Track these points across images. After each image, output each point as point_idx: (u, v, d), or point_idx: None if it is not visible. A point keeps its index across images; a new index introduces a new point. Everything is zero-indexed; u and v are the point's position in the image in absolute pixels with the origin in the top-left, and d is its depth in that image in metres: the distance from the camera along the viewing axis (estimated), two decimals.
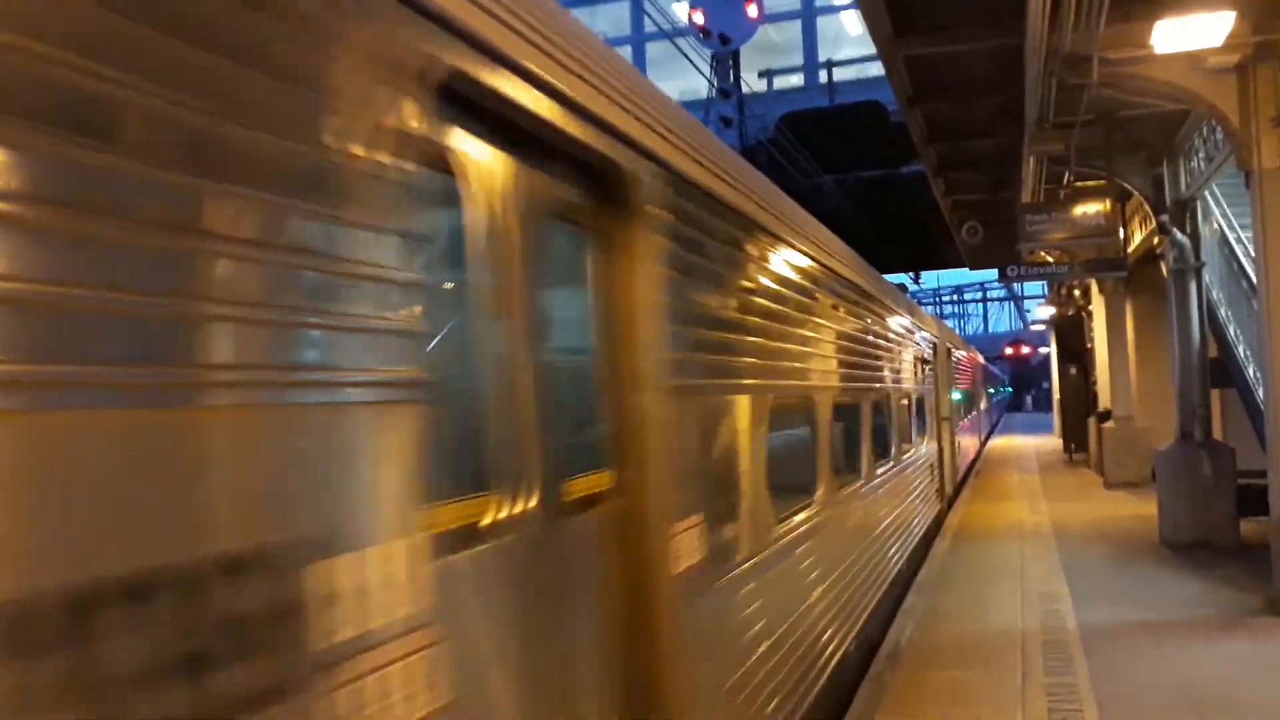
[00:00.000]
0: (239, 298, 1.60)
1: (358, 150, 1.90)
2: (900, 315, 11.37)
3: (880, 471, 9.14)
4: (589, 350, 3.21)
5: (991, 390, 50.92)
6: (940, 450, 15.15)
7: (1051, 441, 36.65)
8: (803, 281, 6.17)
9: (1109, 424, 21.25)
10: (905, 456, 11.04)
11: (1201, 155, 12.63)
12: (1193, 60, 9.43)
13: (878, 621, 8.45)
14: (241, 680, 1.53)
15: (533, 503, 2.63)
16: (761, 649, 4.50)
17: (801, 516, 5.75)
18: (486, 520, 2.47)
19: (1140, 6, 8.93)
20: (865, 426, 8.40)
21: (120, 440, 1.37)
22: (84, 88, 1.34)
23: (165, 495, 1.44)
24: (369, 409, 1.91)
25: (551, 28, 2.72)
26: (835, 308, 7.27)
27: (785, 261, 5.73)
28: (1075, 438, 27.95)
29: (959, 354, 22.59)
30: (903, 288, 18.43)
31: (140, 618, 1.36)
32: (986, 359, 45.21)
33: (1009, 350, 62.92)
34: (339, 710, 1.74)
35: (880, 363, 9.58)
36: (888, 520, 9.35)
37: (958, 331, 57.21)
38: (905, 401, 11.24)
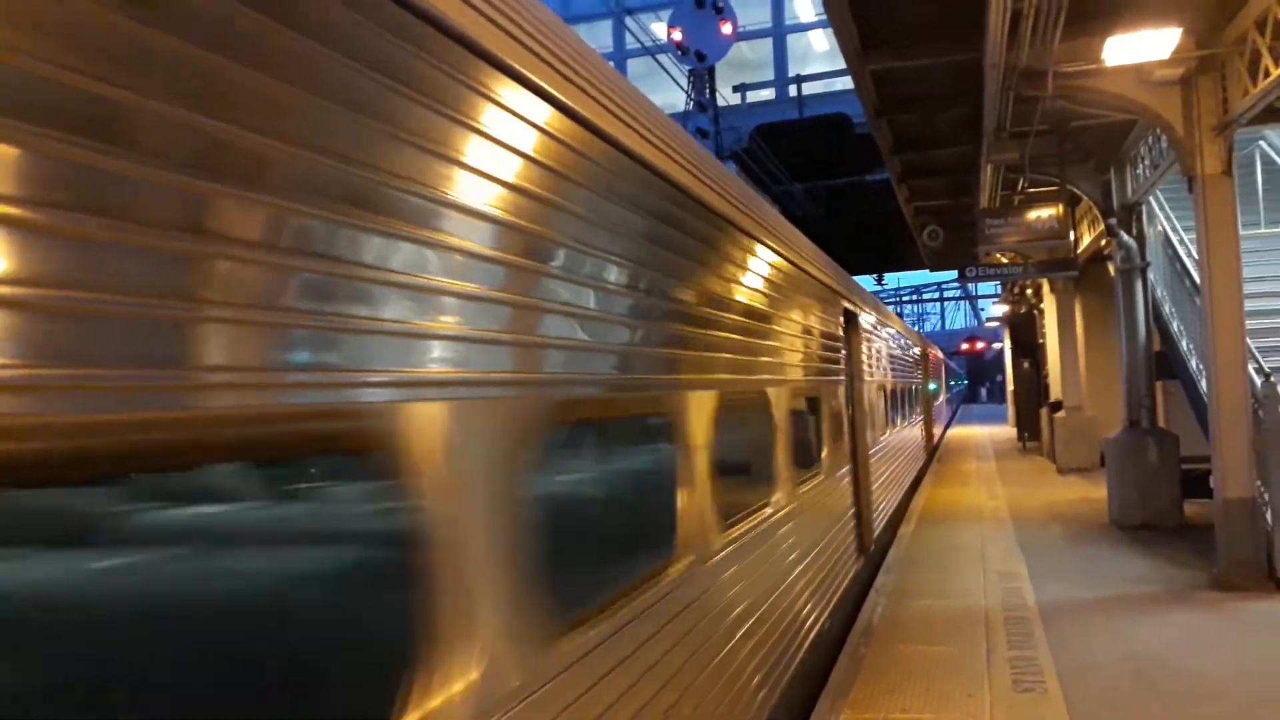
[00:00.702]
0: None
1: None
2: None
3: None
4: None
5: (951, 383, 51.07)
6: (856, 485, 9.14)
7: (1006, 430, 36.83)
8: None
9: (1060, 414, 21.35)
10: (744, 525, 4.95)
11: (1147, 162, 12.68)
12: (1140, 73, 9.46)
13: None
14: None
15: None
16: None
17: None
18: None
19: (1092, 23, 8.95)
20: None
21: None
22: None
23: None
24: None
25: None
26: None
27: None
28: (1028, 427, 28.08)
29: (888, 332, 13.93)
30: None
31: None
32: (945, 354, 45.37)
33: (965, 346, 63.32)
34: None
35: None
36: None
37: (916, 328, 57.08)
38: (775, 412, 5.80)
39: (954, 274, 22.84)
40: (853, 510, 8.92)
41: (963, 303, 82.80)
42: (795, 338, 6.51)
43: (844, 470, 8.58)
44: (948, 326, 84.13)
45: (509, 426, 2.40)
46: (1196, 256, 10.34)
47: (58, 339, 1.29)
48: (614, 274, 3.22)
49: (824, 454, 7.61)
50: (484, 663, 2.18)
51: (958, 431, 40.03)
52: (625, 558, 3.39)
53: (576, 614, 2.79)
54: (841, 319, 8.81)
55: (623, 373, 3.31)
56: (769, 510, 5.46)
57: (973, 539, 12.40)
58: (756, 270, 5.42)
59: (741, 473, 5.13)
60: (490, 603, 2.24)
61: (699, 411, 4.13)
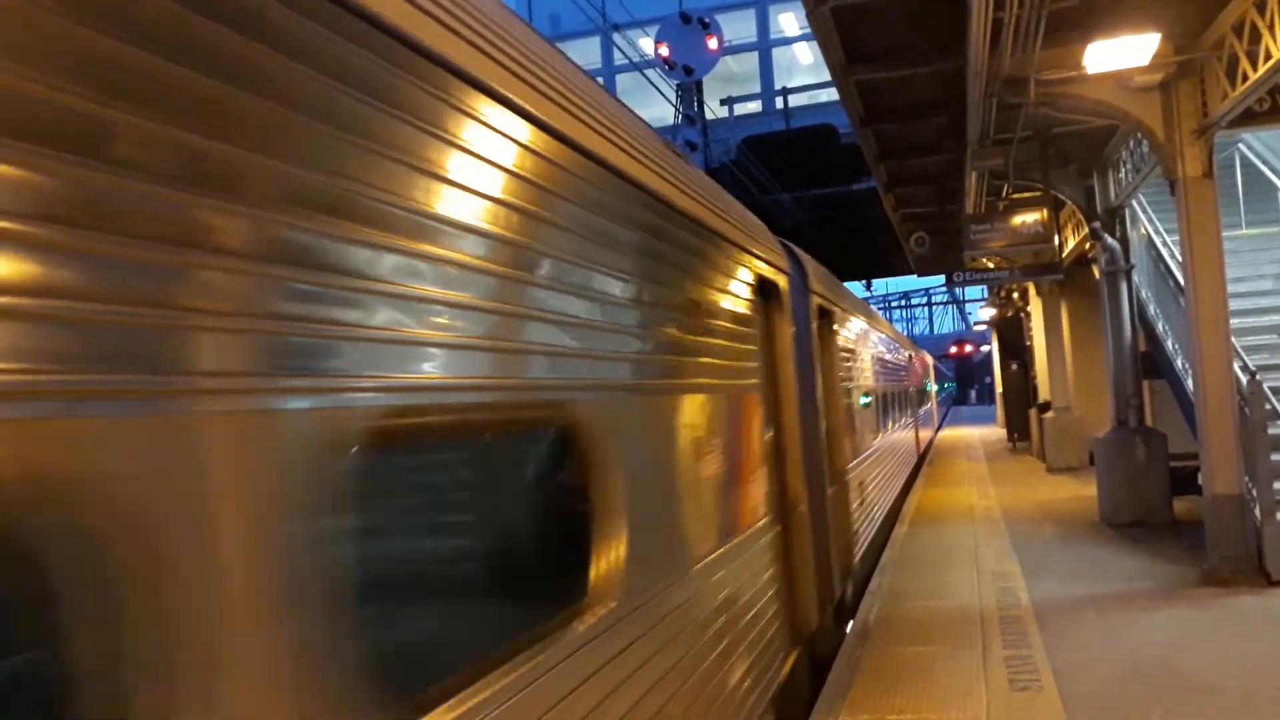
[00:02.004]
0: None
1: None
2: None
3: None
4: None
5: (940, 386, 51.04)
6: (785, 569, 6.06)
7: (995, 431, 36.85)
8: None
9: (1049, 414, 21.38)
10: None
11: (1129, 166, 12.71)
12: (1120, 79, 9.49)
13: None
14: None
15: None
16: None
17: None
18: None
19: (1072, 31, 8.97)
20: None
21: None
22: None
23: None
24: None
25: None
26: None
27: None
28: (1018, 427, 28.11)
29: (854, 325, 11.17)
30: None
31: None
32: (934, 358, 45.39)
33: (954, 349, 63.33)
34: None
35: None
36: None
37: (905, 332, 57.00)
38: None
39: (941, 279, 22.88)
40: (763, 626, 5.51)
41: (950, 307, 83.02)
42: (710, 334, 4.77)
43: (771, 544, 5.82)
44: (936, 331, 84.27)
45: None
46: (1180, 258, 10.36)
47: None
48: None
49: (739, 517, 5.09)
50: None
51: (948, 433, 40.05)
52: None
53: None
54: (751, 305, 5.81)
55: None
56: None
57: (966, 539, 12.38)
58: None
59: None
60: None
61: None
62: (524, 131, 2.77)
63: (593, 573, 3.14)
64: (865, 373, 11.97)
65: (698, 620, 4.14)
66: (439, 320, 2.26)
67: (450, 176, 2.36)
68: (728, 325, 5.07)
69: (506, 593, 2.81)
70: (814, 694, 6.60)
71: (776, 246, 6.92)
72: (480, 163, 2.52)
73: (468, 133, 2.46)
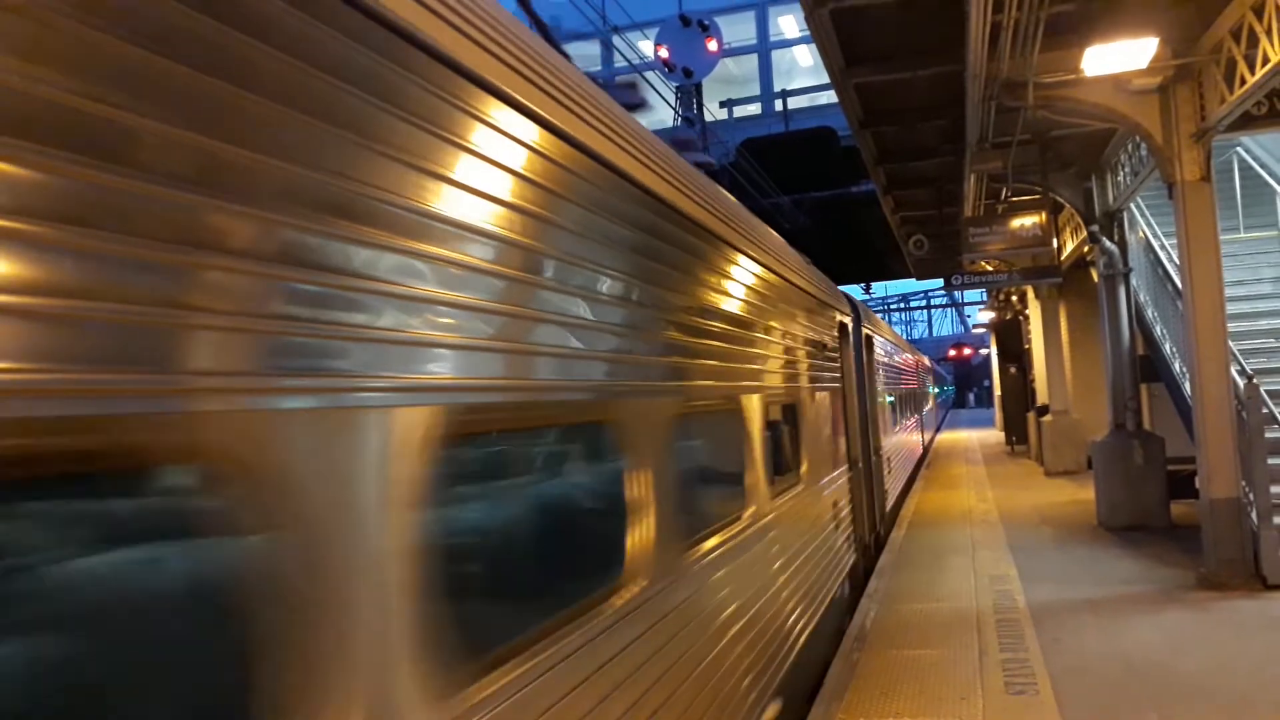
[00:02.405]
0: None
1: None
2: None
3: None
4: None
5: (940, 388, 51.04)
6: (855, 497, 9.90)
7: (994, 434, 36.85)
8: None
9: (1047, 417, 21.36)
10: None
11: (1127, 170, 12.70)
12: (1118, 83, 9.48)
13: None
14: None
15: None
16: None
17: None
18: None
19: (1071, 34, 8.97)
20: None
21: None
22: None
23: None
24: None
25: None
26: None
27: None
28: (1016, 431, 28.09)
29: (884, 345, 14.98)
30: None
31: None
32: (933, 360, 45.37)
33: (952, 352, 63.39)
34: None
35: None
36: None
37: (904, 335, 57.03)
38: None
39: (940, 282, 22.88)
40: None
41: (949, 310, 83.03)
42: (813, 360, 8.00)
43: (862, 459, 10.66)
44: (935, 333, 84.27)
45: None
46: (1178, 261, 10.34)
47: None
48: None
49: (855, 444, 10.03)
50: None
51: (946, 436, 40.03)
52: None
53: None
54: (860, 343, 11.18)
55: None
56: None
57: (963, 542, 12.37)
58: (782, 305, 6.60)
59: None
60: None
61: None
62: (712, 249, 4.66)
63: (796, 463, 6.71)
64: (890, 379, 15.62)
65: (835, 505, 8.24)
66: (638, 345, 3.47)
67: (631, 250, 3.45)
68: (828, 351, 8.53)
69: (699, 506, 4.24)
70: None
71: (844, 300, 10.36)
72: (678, 253, 4.10)
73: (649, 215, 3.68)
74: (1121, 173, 13.05)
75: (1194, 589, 9.14)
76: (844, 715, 6.14)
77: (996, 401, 38.34)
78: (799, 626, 6.12)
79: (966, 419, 59.76)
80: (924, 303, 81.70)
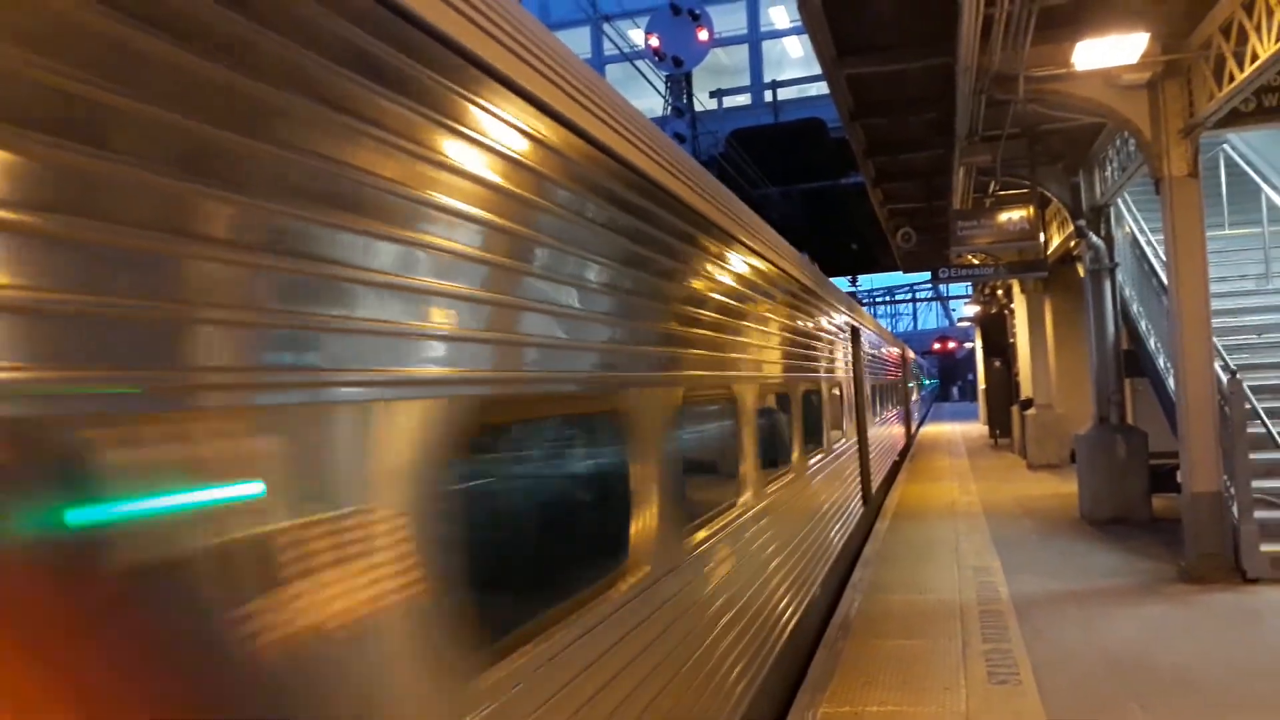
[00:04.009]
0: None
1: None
2: None
3: None
4: None
5: (924, 381, 51.22)
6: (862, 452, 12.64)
7: (977, 428, 37.04)
8: None
9: (1030, 411, 21.46)
10: None
11: (1115, 165, 12.75)
12: (1108, 77, 9.50)
13: None
14: None
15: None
16: None
17: None
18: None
19: (1062, 28, 8.98)
20: None
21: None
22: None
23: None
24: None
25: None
26: None
27: None
28: (999, 424, 28.23)
29: (871, 338, 15.74)
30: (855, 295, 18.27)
31: None
32: (917, 354, 45.52)
33: (937, 345, 63.54)
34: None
35: None
36: None
37: (889, 328, 57.28)
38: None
39: (926, 275, 22.94)
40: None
41: (934, 303, 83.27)
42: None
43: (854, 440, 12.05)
44: (920, 327, 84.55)
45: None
46: (1164, 257, 10.39)
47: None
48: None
49: (846, 427, 11.18)
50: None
51: (930, 429, 40.21)
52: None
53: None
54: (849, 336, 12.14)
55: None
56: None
57: (947, 534, 12.43)
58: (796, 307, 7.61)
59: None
60: None
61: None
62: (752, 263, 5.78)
63: (834, 427, 9.59)
64: (878, 369, 16.77)
65: (849, 465, 10.68)
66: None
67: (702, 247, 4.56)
68: (843, 347, 10.69)
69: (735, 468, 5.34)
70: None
71: (835, 290, 11.39)
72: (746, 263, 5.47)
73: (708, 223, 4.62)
74: (1109, 168, 13.09)
75: (1175, 582, 9.22)
76: (828, 705, 6.16)
77: (980, 395, 38.54)
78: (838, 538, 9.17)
79: (950, 412, 60.07)
80: (909, 295, 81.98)
